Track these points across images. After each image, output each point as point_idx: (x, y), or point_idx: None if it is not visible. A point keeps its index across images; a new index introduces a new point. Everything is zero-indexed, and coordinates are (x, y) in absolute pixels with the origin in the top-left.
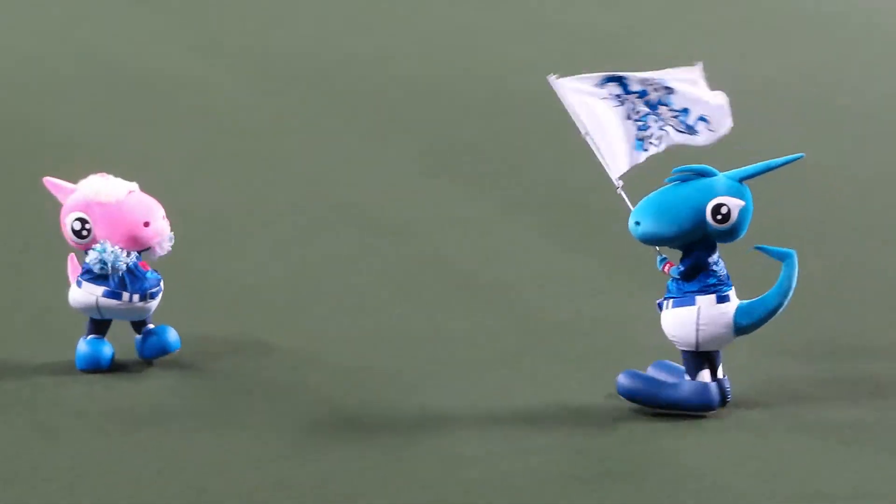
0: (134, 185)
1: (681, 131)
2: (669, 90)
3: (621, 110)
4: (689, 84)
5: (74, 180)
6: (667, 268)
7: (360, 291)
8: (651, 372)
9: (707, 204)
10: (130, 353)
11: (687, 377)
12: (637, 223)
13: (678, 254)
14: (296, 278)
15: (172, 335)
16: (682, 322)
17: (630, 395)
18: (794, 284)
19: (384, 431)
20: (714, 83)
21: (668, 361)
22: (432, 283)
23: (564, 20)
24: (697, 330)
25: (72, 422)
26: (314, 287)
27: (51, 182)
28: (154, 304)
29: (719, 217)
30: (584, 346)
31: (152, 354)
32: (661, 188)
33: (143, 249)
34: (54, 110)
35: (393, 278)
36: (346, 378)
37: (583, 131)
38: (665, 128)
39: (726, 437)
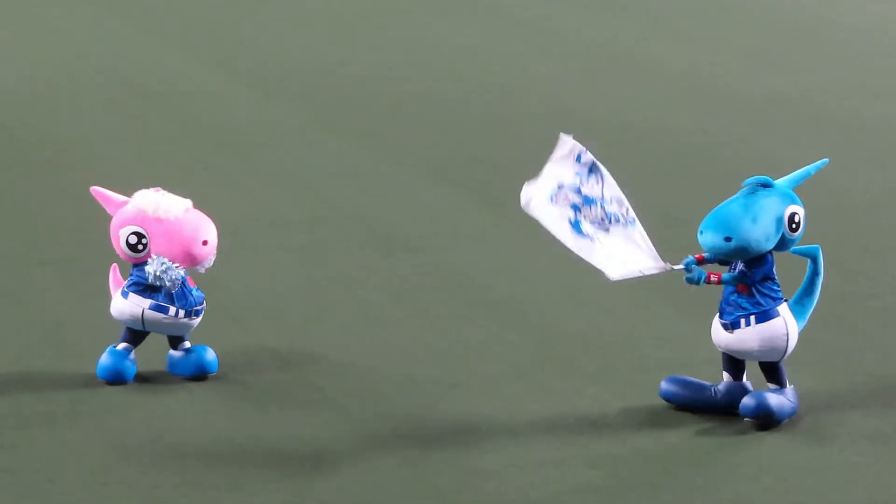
0: (189, 203)
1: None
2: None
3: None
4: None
5: (85, 194)
6: (714, 278)
7: (374, 305)
8: (671, 387)
9: (784, 213)
10: (152, 365)
11: (772, 386)
12: (727, 239)
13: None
14: (309, 291)
15: (211, 355)
16: (773, 336)
17: (761, 414)
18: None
19: (400, 444)
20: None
21: (681, 376)
22: (446, 296)
23: (577, 36)
24: (787, 340)
25: (90, 435)
26: (328, 300)
27: (99, 192)
28: (197, 321)
29: (794, 225)
30: (599, 359)
31: (190, 373)
32: (734, 201)
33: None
34: (70, 124)
35: (407, 292)
36: (362, 391)
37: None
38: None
39: (742, 450)
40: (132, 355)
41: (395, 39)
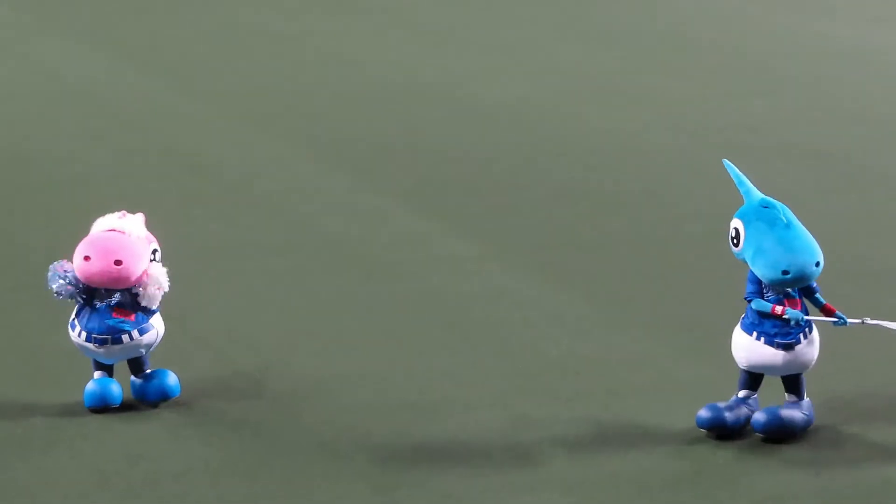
0: (125, 223)
1: None
2: None
3: None
4: None
5: (62, 218)
6: (780, 309)
7: (350, 330)
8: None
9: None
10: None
11: (791, 397)
12: (817, 264)
13: None
14: (284, 316)
15: (172, 379)
16: (815, 343)
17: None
18: None
19: (375, 470)
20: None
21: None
22: (422, 321)
23: (553, 62)
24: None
25: (66, 462)
26: (303, 325)
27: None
28: (112, 349)
29: None
30: (574, 384)
31: (153, 398)
32: (793, 224)
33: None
34: (44, 147)
35: (382, 317)
36: (336, 417)
37: None
38: None
39: (718, 474)
40: (112, 380)
41: (369, 62)
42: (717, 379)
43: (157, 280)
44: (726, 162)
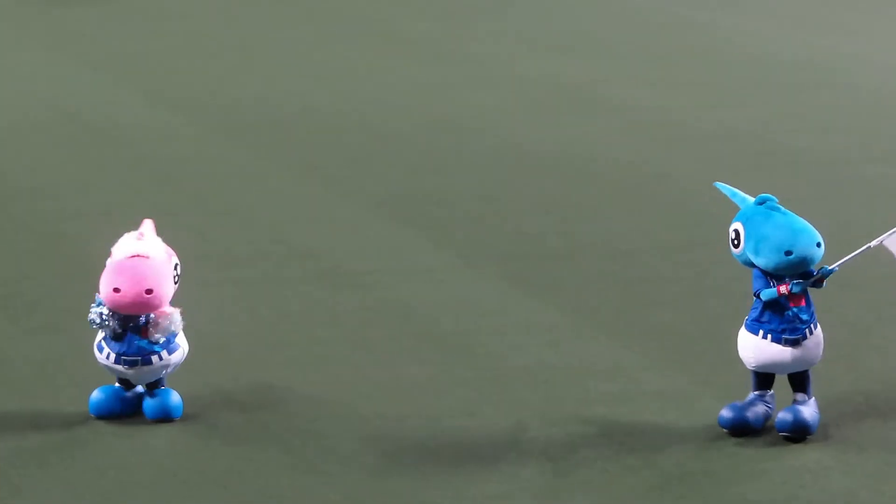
0: (143, 248)
1: None
2: None
3: None
4: None
5: (33, 228)
6: (785, 289)
7: (319, 340)
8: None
9: None
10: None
11: (801, 396)
12: (818, 244)
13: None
14: (254, 327)
15: (174, 399)
16: (821, 338)
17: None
18: None
19: (346, 479)
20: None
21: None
22: (392, 331)
23: (525, 71)
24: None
25: (34, 472)
26: (273, 336)
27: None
28: (142, 370)
29: None
30: (544, 393)
31: (152, 416)
32: (788, 214)
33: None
34: (15, 159)
35: (352, 327)
36: (306, 427)
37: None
38: None
39: (688, 483)
40: (120, 391)
41: (339, 73)
42: (687, 388)
43: (170, 321)
44: (718, 184)
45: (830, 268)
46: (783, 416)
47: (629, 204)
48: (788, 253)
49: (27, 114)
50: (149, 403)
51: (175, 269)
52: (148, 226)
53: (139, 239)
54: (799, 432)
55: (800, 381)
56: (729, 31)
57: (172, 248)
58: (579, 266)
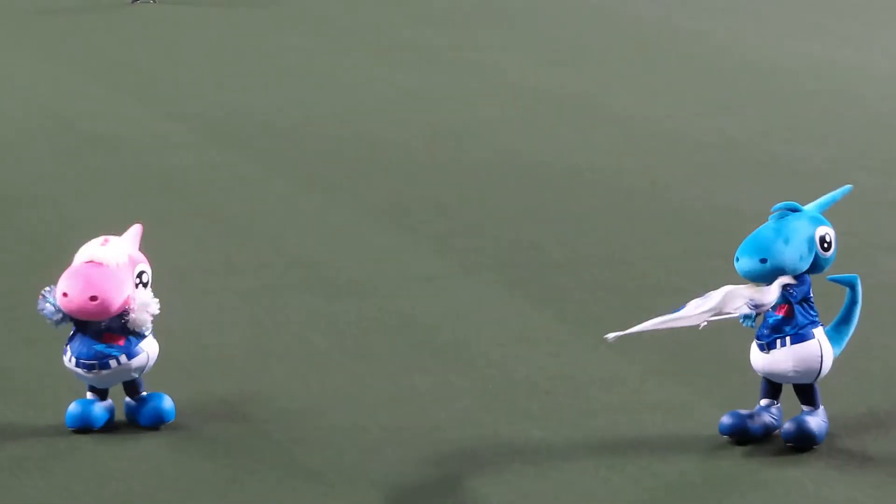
0: (101, 254)
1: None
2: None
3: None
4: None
5: (33, 237)
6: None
7: (320, 349)
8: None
9: (815, 233)
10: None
11: (806, 408)
12: (763, 260)
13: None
14: (255, 336)
15: (167, 403)
16: (807, 357)
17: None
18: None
19: (347, 488)
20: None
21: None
22: (392, 341)
23: (525, 81)
24: (822, 362)
25: (37, 481)
26: (274, 345)
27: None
28: (100, 375)
29: (825, 245)
30: (545, 403)
31: (146, 422)
32: (770, 225)
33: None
34: (16, 168)
35: (353, 336)
36: (307, 436)
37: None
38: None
39: (688, 496)
40: (104, 403)
41: (340, 83)
42: (688, 397)
43: (143, 306)
44: (846, 188)
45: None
46: (788, 425)
47: (628, 213)
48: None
49: (28, 123)
50: (140, 411)
51: (140, 276)
52: (130, 231)
53: (103, 244)
54: (804, 441)
55: (803, 394)
56: (726, 40)
57: (171, 257)
58: (579, 275)
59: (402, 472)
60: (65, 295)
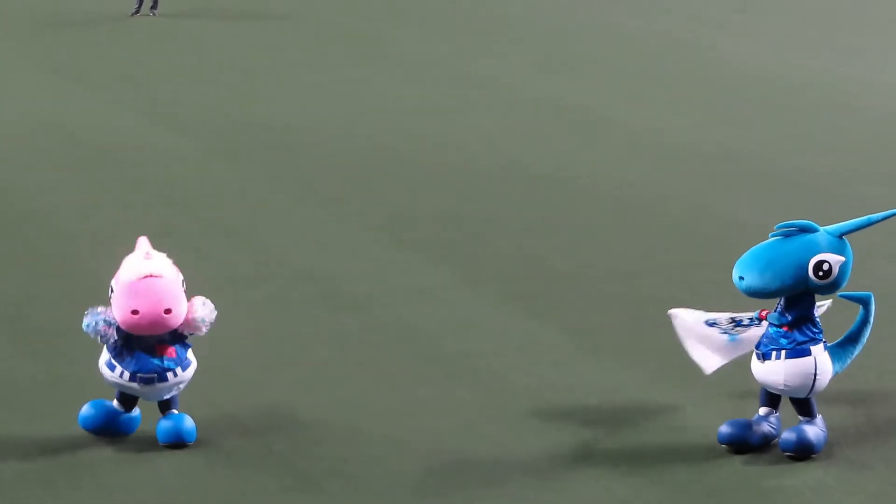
0: (152, 270)
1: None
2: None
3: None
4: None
5: (36, 250)
6: (764, 314)
7: (323, 361)
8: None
9: (810, 261)
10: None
11: (803, 419)
12: (741, 278)
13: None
14: (258, 348)
15: (188, 424)
16: (800, 372)
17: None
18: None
19: (351, 497)
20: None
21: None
22: (395, 352)
23: (527, 93)
24: (815, 379)
25: (39, 492)
26: (277, 357)
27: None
28: (157, 388)
29: (821, 273)
30: (546, 413)
31: (165, 440)
32: (766, 242)
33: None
34: (19, 180)
35: (355, 348)
36: (310, 447)
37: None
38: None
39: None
40: (130, 412)
41: (342, 95)
42: (688, 406)
43: (204, 311)
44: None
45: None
46: (787, 435)
47: (630, 225)
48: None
49: (30, 136)
50: (161, 427)
51: (182, 285)
52: (145, 243)
53: (147, 258)
54: (802, 452)
55: (798, 405)
56: (728, 53)
57: (177, 267)
58: (581, 286)
59: (404, 482)
60: (135, 313)
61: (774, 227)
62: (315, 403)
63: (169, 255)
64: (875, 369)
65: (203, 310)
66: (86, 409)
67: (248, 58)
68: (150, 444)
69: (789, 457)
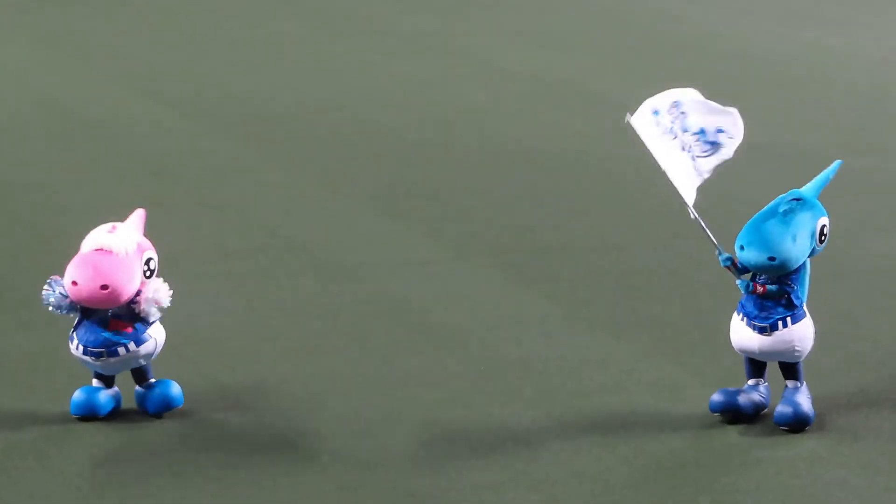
0: (112, 243)
1: (706, 154)
2: (683, 114)
3: (677, 143)
4: (695, 101)
5: (26, 222)
6: (760, 290)
7: (314, 333)
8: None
9: (817, 226)
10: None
11: (791, 383)
12: (771, 259)
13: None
14: (249, 320)
15: (175, 389)
16: (805, 335)
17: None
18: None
19: (340, 470)
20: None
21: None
22: (386, 324)
23: (515, 67)
24: (812, 338)
25: (32, 464)
26: (268, 329)
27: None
28: (108, 362)
29: (823, 237)
30: (537, 384)
31: (154, 409)
32: (771, 217)
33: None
34: (8, 154)
35: (346, 320)
36: (300, 419)
37: (662, 167)
38: (696, 158)
39: (680, 473)
40: (110, 391)
41: (332, 68)
42: (680, 378)
43: (155, 297)
44: (836, 164)
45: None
46: (782, 409)
47: (620, 197)
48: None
49: (20, 109)
50: (148, 397)
51: (147, 263)
52: (133, 217)
53: (111, 231)
54: (799, 425)
55: (789, 369)
56: (718, 27)
57: (165, 242)
58: (571, 258)
59: (395, 454)
60: (74, 284)
61: (782, 203)
62: (306, 375)
63: (160, 227)
64: (868, 340)
65: (154, 294)
66: (77, 395)
67: (240, 31)
68: (138, 415)
69: (785, 430)
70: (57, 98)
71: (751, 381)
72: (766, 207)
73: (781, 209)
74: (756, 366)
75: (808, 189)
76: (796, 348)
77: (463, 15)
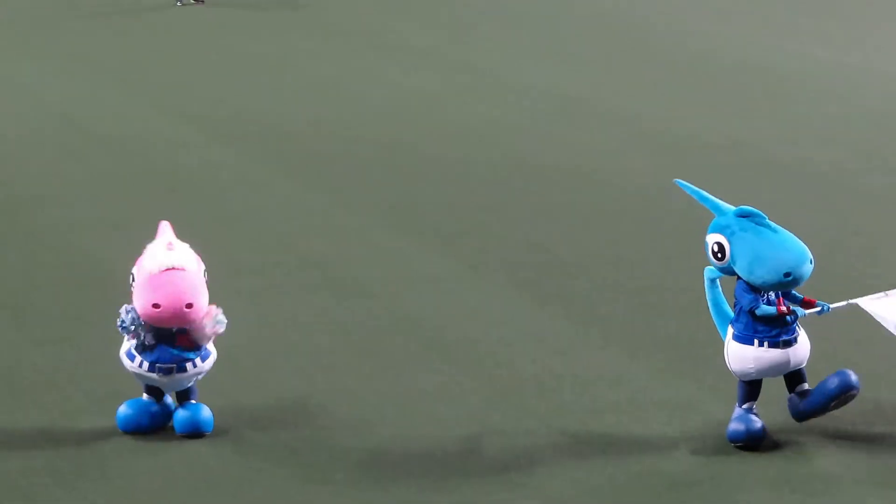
0: (174, 262)
1: None
2: None
3: None
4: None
5: (42, 237)
6: (785, 307)
7: (328, 349)
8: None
9: None
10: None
11: (801, 387)
12: (787, 275)
13: None
14: (263, 335)
15: (205, 413)
16: (807, 338)
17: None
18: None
19: (353, 487)
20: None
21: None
22: (400, 340)
23: (529, 82)
24: None
25: (44, 479)
26: (281, 344)
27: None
28: (175, 378)
29: None
30: (551, 401)
31: (181, 430)
32: (779, 232)
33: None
34: (25, 169)
35: (361, 336)
36: (314, 434)
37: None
38: None
39: (694, 488)
40: (160, 405)
41: (347, 85)
42: (694, 396)
43: (216, 329)
44: (679, 181)
45: (830, 307)
46: (835, 380)
47: (635, 213)
48: (787, 275)
49: (37, 125)
50: (179, 417)
51: (204, 275)
52: (166, 229)
53: (169, 249)
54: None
55: (795, 377)
56: (732, 43)
57: None
58: (586, 275)
59: (409, 470)
60: (156, 306)
61: (762, 219)
62: (320, 392)
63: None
64: (885, 358)
65: (215, 328)
66: (123, 409)
67: (255, 48)
68: (159, 433)
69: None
70: (73, 114)
71: (746, 405)
72: (761, 228)
73: (760, 223)
74: (756, 388)
75: (731, 208)
76: (808, 350)
77: (478, 32)
